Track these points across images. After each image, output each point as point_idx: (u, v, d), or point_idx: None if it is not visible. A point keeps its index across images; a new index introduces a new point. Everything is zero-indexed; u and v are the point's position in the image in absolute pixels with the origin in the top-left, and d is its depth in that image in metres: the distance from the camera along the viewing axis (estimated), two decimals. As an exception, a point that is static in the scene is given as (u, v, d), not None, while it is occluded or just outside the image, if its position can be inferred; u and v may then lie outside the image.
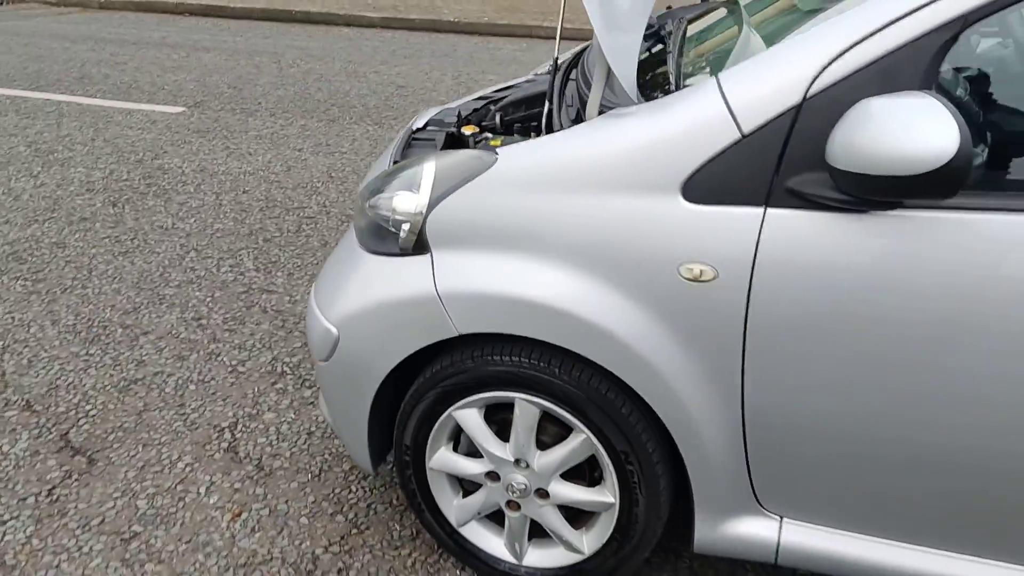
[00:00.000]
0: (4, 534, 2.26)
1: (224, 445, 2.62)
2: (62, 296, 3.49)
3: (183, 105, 6.47)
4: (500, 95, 2.71)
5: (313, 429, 2.70)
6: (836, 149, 1.46)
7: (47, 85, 6.96)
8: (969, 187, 1.51)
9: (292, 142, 5.48)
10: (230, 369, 3.01)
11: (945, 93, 1.61)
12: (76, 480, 2.46)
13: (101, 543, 2.24)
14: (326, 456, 2.58)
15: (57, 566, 2.16)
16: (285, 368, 3.01)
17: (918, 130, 1.37)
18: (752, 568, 2.21)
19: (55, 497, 2.39)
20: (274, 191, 4.60)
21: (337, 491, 2.45)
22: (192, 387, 2.91)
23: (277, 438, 2.66)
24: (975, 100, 1.73)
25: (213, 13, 10.77)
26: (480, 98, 2.74)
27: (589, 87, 1.98)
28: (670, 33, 2.43)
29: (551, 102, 2.05)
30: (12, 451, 2.58)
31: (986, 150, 1.60)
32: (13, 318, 3.31)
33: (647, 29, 2.50)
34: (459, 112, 2.53)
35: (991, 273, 1.48)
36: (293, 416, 2.76)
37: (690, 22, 2.66)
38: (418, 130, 2.48)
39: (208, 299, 3.49)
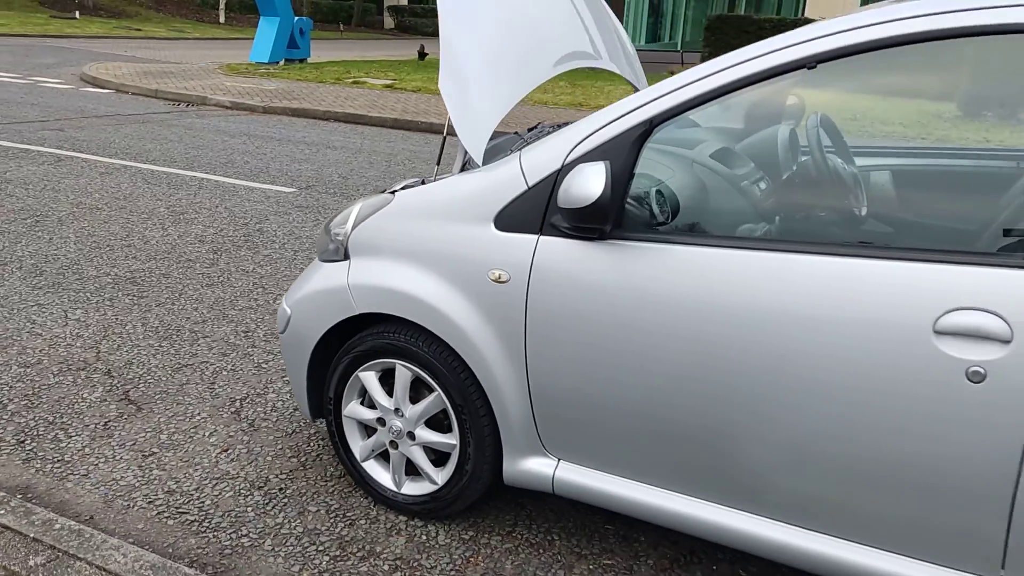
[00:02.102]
0: (69, 443, 3.27)
1: (233, 409, 3.59)
2: (155, 308, 4.61)
3: (296, 187, 7.76)
4: None
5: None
6: (560, 194, 2.33)
7: (198, 166, 8.43)
8: (657, 227, 2.33)
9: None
10: (256, 365, 4.00)
11: (646, 163, 2.45)
12: (125, 418, 3.47)
13: (128, 455, 3.21)
14: (301, 424, 3.50)
15: (96, 464, 3.14)
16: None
17: (588, 181, 2.23)
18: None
19: (108, 426, 3.40)
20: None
21: (300, 444, 3.35)
22: (224, 374, 3.91)
23: (272, 409, 3.61)
24: (675, 169, 2.57)
25: (353, 120, 12.35)
26: None
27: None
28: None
29: (438, 163, 2.99)
30: (89, 397, 3.62)
31: (674, 200, 2.42)
32: (117, 319, 4.44)
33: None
34: None
35: (661, 286, 2.30)
36: (288, 398, 3.71)
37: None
38: None
39: (259, 320, 4.53)
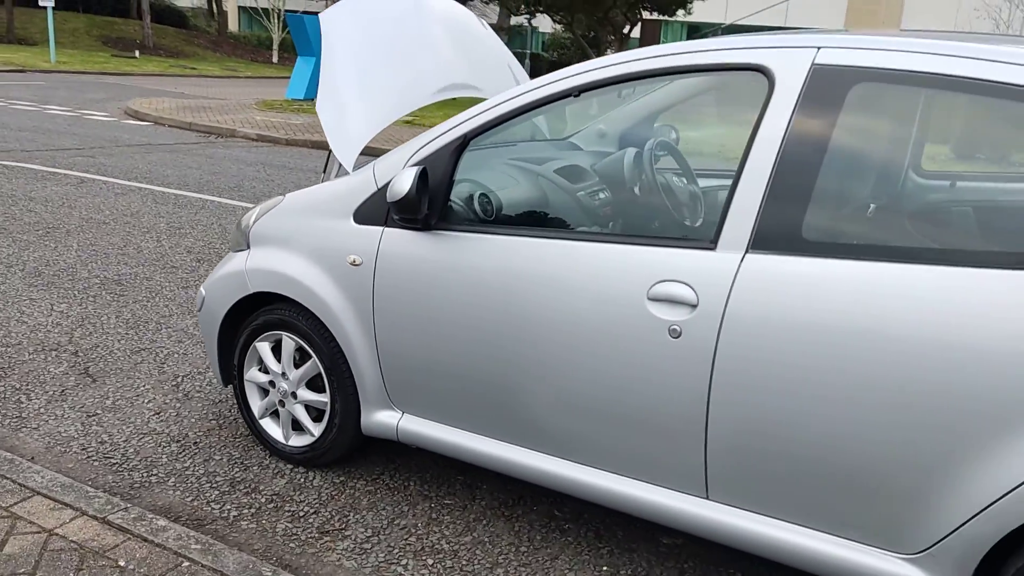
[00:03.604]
0: (29, 404, 3.91)
1: (174, 383, 4.20)
2: (131, 304, 5.27)
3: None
4: None
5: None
6: (387, 192, 2.92)
7: (207, 190, 9.18)
8: (478, 221, 2.90)
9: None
10: (205, 350, 4.62)
11: (465, 169, 3.03)
12: (80, 387, 4.10)
13: (75, 415, 3.83)
14: (227, 395, 4.10)
15: (47, 421, 3.77)
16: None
17: (401, 181, 2.82)
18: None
19: (64, 393, 4.03)
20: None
21: (222, 411, 3.95)
22: (175, 356, 4.54)
23: (207, 384, 4.21)
24: (492, 174, 3.14)
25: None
26: None
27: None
28: None
29: (325, 172, 3.60)
30: (54, 371, 4.27)
31: (499, 199, 3.00)
32: (95, 312, 5.10)
33: None
34: None
35: (469, 266, 2.87)
36: (223, 375, 4.31)
37: None
38: None
39: (218, 316, 5.16)
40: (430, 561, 2.91)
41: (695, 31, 35.22)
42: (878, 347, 2.22)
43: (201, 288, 3.62)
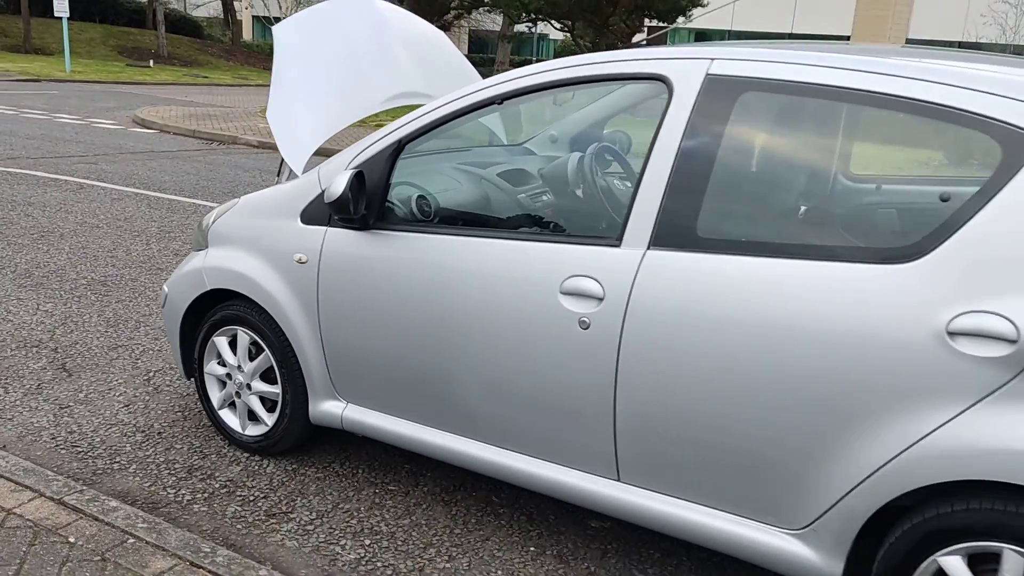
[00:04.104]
0: (6, 397, 4.11)
1: (146, 378, 4.40)
2: (114, 304, 5.49)
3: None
4: None
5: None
6: (325, 193, 3.11)
7: (201, 195, 9.41)
8: (414, 221, 3.09)
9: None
10: (178, 347, 4.82)
11: (401, 173, 3.21)
12: (56, 382, 4.31)
13: (48, 407, 4.04)
14: (195, 391, 4.30)
15: (21, 412, 3.97)
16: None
17: (335, 184, 3.01)
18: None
19: (40, 387, 4.24)
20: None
21: (188, 404, 4.14)
22: (150, 353, 4.74)
23: (177, 379, 4.41)
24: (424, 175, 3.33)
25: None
26: None
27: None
28: None
29: (278, 175, 3.79)
30: (33, 366, 4.48)
31: (435, 200, 3.18)
32: (78, 311, 5.32)
33: None
34: None
35: (403, 263, 3.05)
36: (193, 370, 4.51)
37: None
38: None
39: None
40: (367, 541, 3.09)
41: (702, 38, 35.37)
42: (760, 336, 2.40)
43: (164, 286, 3.82)
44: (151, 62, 36.97)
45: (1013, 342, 2.11)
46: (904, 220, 2.35)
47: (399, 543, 3.09)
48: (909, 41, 33.97)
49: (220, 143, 14.58)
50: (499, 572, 2.96)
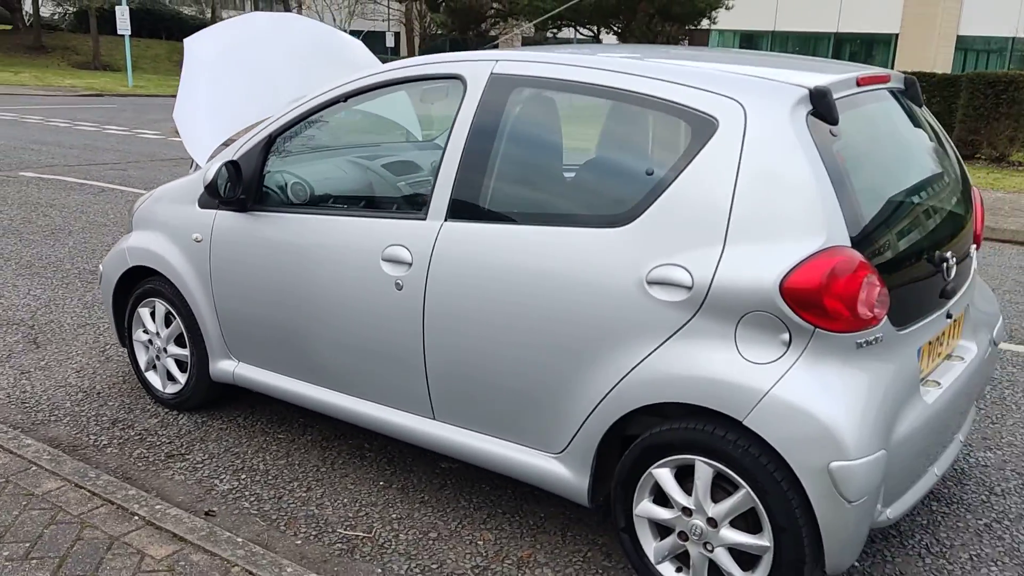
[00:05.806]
0: (-23, 362, 4.77)
1: (102, 351, 5.01)
2: (96, 291, 6.14)
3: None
4: None
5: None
6: (203, 180, 3.66)
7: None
8: (288, 204, 3.63)
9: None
10: (139, 325, 5.44)
11: (275, 161, 3.75)
12: (25, 352, 4.95)
13: (10, 372, 4.67)
14: (140, 358, 4.90)
15: (-11, 376, 4.62)
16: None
17: (208, 172, 3.56)
18: None
19: (10, 356, 4.88)
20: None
21: (131, 371, 4.75)
22: (113, 330, 5.37)
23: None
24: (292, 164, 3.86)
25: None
26: None
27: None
28: None
29: (191, 167, 4.36)
30: (8, 340, 5.13)
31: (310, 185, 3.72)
32: (63, 296, 5.98)
33: None
34: None
35: (272, 238, 3.59)
36: (145, 344, 5.12)
37: None
38: None
39: (164, 299, 5.99)
40: (244, 477, 3.63)
41: (747, 39, 35.40)
42: (522, 288, 2.87)
43: (100, 264, 4.42)
44: (210, 75, 38.27)
45: (689, 288, 2.55)
46: (622, 191, 2.81)
47: (270, 478, 3.62)
48: (960, 38, 33.66)
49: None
50: (346, 499, 3.47)
